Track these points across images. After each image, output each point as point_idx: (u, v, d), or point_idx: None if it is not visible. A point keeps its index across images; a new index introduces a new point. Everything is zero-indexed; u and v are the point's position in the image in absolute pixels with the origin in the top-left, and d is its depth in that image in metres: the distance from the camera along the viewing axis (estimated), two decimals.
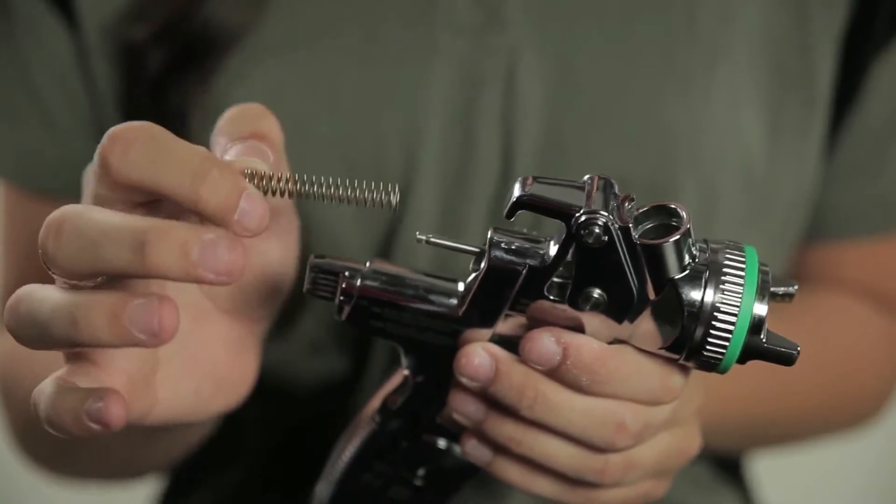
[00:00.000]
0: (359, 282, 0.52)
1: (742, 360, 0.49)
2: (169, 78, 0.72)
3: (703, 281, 0.48)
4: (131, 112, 0.74)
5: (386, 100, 0.71)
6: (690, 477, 0.83)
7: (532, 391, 0.51)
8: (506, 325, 0.51)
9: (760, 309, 0.48)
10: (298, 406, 0.80)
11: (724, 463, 0.86)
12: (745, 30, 0.73)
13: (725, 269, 0.48)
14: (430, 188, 0.71)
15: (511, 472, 0.55)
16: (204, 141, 0.70)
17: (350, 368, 0.77)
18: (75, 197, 0.76)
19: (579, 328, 0.50)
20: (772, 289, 0.49)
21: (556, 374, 0.50)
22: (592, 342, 0.50)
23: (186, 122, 0.72)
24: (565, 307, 0.49)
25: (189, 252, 0.42)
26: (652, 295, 0.49)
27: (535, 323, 0.51)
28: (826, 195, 0.79)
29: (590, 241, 0.47)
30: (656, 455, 0.55)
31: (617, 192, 0.49)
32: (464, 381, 0.51)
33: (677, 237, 0.47)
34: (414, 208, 0.71)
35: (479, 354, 0.51)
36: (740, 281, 0.48)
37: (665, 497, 0.59)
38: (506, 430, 0.52)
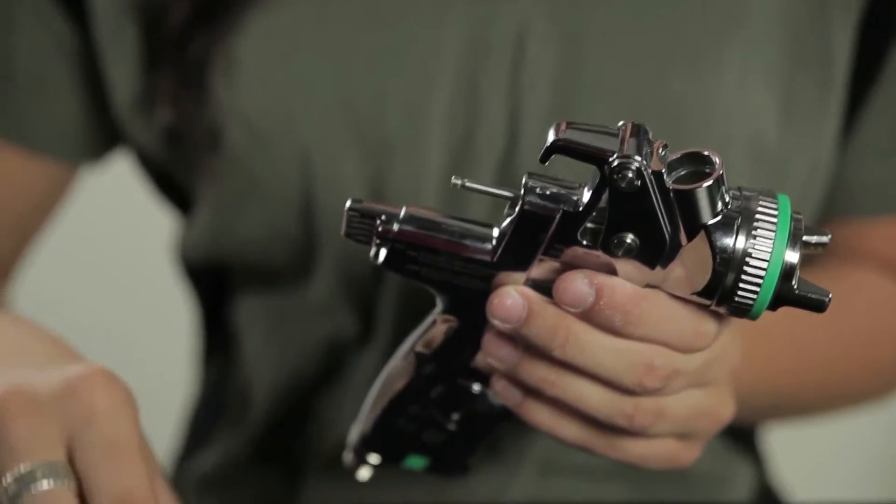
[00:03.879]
0: (395, 226, 0.52)
1: (773, 306, 0.50)
2: (189, 31, 0.73)
3: (736, 227, 0.49)
4: (151, 66, 0.75)
5: (394, 63, 0.71)
6: (705, 446, 0.83)
7: (564, 331, 0.51)
8: (539, 270, 0.52)
9: (792, 256, 0.49)
10: (308, 365, 0.80)
11: (739, 433, 0.86)
12: (760, 5, 0.73)
13: (758, 216, 0.49)
14: (436, 153, 0.72)
15: (540, 414, 0.56)
16: (220, 99, 0.72)
17: (359, 328, 0.78)
18: (24, 146, 0.79)
19: (612, 273, 0.51)
20: (804, 237, 0.50)
21: (588, 315, 0.51)
22: (625, 284, 0.50)
23: (204, 77, 0.73)
24: (598, 252, 0.50)
25: None
26: (684, 241, 0.49)
27: (569, 268, 0.51)
28: (851, 172, 0.78)
29: (623, 185, 0.48)
30: (687, 409, 0.55)
31: (651, 138, 0.50)
32: (496, 323, 0.52)
33: (710, 183, 0.48)
34: (419, 172, 0.72)
35: (512, 296, 0.52)
36: (772, 228, 0.49)
37: None
38: (538, 371, 0.53)
